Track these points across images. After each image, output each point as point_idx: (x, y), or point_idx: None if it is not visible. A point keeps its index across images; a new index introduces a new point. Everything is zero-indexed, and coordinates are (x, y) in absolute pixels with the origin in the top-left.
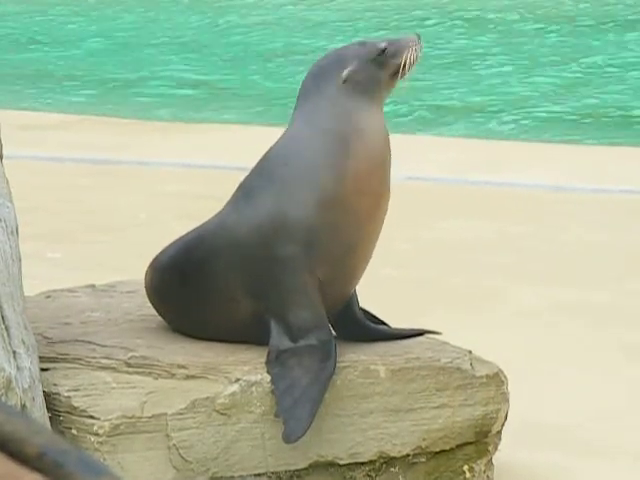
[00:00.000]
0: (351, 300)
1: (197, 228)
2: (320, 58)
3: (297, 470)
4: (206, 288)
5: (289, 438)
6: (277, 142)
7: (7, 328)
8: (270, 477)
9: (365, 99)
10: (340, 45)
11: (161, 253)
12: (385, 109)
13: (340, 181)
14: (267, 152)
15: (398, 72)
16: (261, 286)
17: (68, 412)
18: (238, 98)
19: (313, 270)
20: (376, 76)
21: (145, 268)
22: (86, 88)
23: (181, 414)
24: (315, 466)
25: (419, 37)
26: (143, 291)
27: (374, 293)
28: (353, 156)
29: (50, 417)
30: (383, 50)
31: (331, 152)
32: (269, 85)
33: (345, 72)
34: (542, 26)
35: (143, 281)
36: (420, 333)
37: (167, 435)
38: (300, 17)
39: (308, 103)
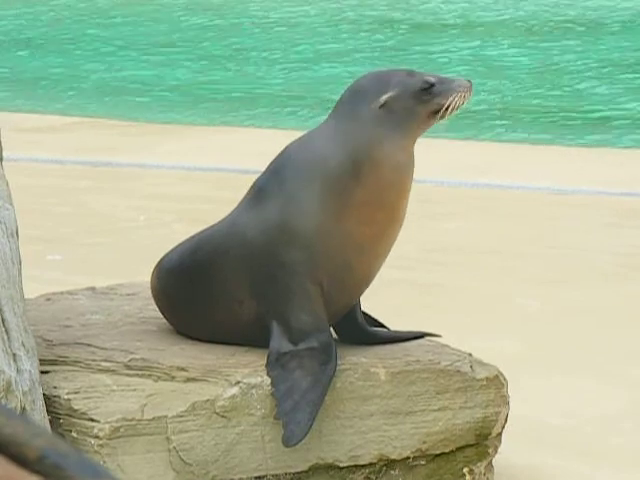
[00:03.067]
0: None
1: (208, 228)
2: (362, 76)
3: (297, 473)
4: (211, 288)
5: (289, 441)
6: (295, 144)
7: (7, 331)
8: None
9: (396, 130)
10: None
11: (168, 254)
12: None
13: (344, 207)
14: (283, 152)
15: (438, 112)
16: (265, 288)
17: (68, 415)
18: (240, 100)
19: (316, 276)
20: (414, 110)
21: (145, 270)
22: (86, 90)
23: (181, 417)
24: (315, 468)
25: (471, 84)
26: (143, 293)
27: (378, 295)
28: (363, 185)
29: (50, 420)
30: (431, 85)
31: (342, 176)
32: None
33: (384, 97)
34: None
35: (143, 283)
36: (420, 336)
37: (167, 438)
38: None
39: (338, 118)
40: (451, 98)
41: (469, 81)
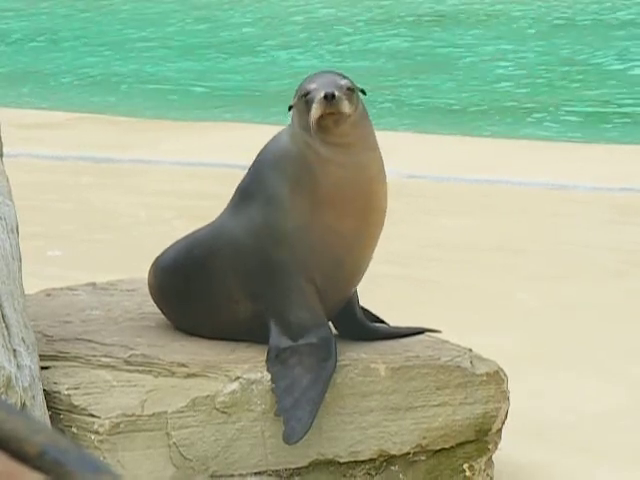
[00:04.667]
0: (351, 299)
1: (200, 229)
2: None
3: (297, 468)
4: (207, 288)
5: (290, 439)
6: (268, 145)
7: (7, 326)
8: (270, 475)
9: (310, 132)
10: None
11: (164, 252)
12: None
13: (315, 202)
14: (259, 154)
15: (317, 123)
16: (259, 287)
17: (68, 410)
18: (239, 97)
19: (307, 273)
20: (304, 116)
21: (145, 266)
22: (88, 86)
23: (181, 412)
24: (315, 464)
25: (331, 97)
26: (143, 289)
27: (374, 292)
28: (319, 183)
29: (50, 415)
30: (306, 94)
31: (301, 173)
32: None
33: (292, 101)
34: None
35: (144, 279)
36: (420, 331)
37: (167, 433)
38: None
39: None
40: (312, 111)
41: (325, 95)
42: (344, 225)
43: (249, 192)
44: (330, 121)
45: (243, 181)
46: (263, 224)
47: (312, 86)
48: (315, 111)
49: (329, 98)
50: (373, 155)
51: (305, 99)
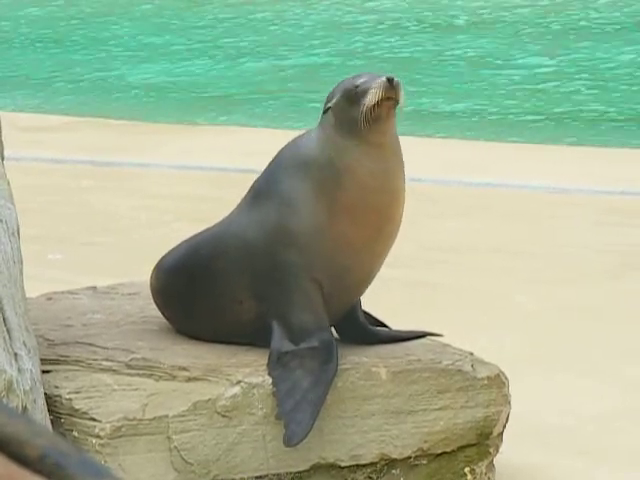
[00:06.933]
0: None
1: (207, 229)
2: None
3: (298, 472)
4: (212, 288)
5: (290, 441)
6: (289, 145)
7: (8, 330)
8: (271, 479)
9: (351, 135)
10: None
11: (167, 254)
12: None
13: (333, 210)
14: (278, 155)
15: (370, 112)
16: (264, 288)
17: (69, 414)
18: (238, 100)
19: (315, 276)
20: (351, 113)
21: (146, 269)
22: (88, 89)
23: (182, 416)
24: (316, 468)
25: (386, 82)
26: (144, 293)
27: (374, 294)
28: (344, 189)
29: (51, 419)
30: (356, 87)
31: (325, 180)
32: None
33: (329, 104)
34: None
35: (144, 283)
36: (421, 335)
37: (168, 437)
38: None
39: (318, 126)
40: (368, 97)
41: (387, 78)
42: (358, 234)
43: (264, 193)
44: (384, 109)
45: (257, 182)
46: (276, 224)
47: (361, 80)
48: (372, 96)
49: (391, 82)
50: (399, 162)
51: (356, 91)
